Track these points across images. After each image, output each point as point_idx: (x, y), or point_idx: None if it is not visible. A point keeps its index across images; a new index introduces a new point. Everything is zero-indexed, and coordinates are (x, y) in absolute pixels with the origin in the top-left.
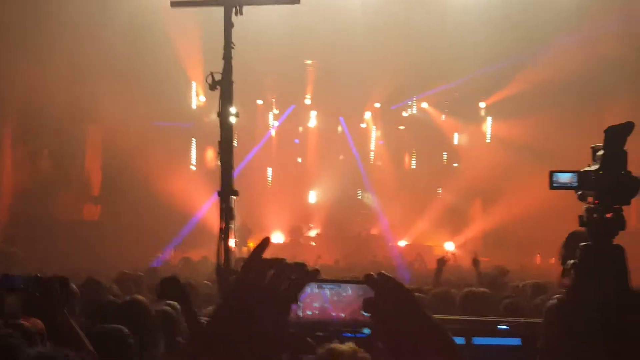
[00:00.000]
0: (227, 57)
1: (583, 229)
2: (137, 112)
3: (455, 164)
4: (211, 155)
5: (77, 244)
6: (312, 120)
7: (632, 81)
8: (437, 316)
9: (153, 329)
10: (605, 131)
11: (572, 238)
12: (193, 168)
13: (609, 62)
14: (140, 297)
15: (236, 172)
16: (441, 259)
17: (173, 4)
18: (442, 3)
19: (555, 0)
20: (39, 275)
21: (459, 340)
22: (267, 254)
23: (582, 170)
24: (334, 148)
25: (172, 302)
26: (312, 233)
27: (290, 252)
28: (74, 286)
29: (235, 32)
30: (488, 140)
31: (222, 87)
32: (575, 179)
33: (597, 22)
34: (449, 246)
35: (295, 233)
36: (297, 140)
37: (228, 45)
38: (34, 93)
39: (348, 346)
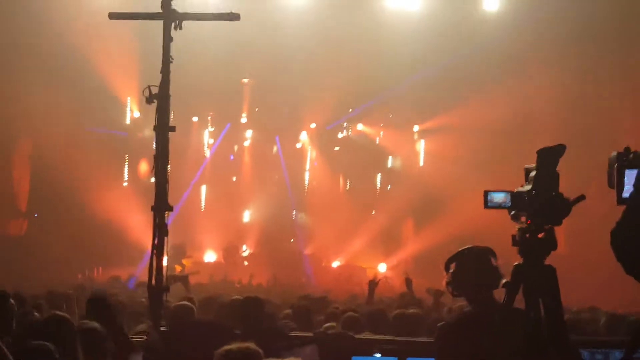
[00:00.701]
0: (165, 71)
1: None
2: (69, 123)
3: (389, 186)
4: (144, 169)
5: (2, 259)
6: (248, 139)
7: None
8: (372, 336)
9: (76, 346)
10: (538, 152)
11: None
12: (125, 184)
13: (544, 91)
14: (61, 313)
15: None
16: (372, 281)
17: (111, 16)
18: (381, 24)
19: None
20: None
21: None
22: (202, 273)
23: (515, 190)
24: (269, 168)
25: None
26: (246, 252)
27: (224, 271)
28: (12, 301)
29: (173, 46)
30: (421, 164)
31: (159, 101)
32: (508, 199)
33: (526, 42)
34: (382, 268)
35: (229, 252)
36: (232, 157)
37: (167, 59)
38: None
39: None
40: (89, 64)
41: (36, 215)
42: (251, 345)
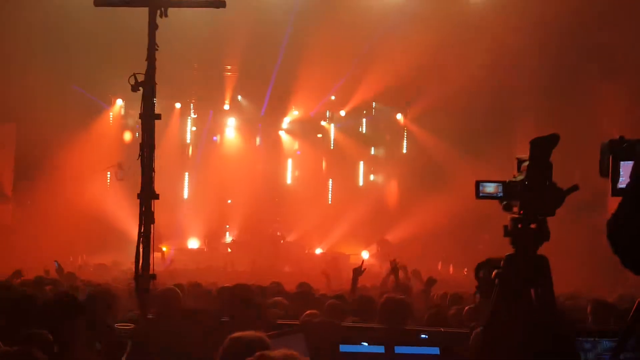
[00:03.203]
0: (151, 59)
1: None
2: (53, 108)
3: (372, 175)
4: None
5: None
6: (230, 127)
7: (545, 91)
8: (360, 324)
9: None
10: (531, 142)
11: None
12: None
13: (522, 72)
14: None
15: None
16: (357, 269)
17: (97, 3)
18: (365, 11)
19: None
20: None
21: (380, 349)
22: (185, 260)
23: (507, 180)
24: (251, 156)
25: None
26: (229, 239)
27: (207, 257)
28: None
29: (158, 34)
30: (404, 151)
31: (145, 88)
32: (500, 189)
33: (508, 30)
34: (365, 255)
35: (211, 239)
36: (215, 138)
37: (152, 46)
38: None
39: (281, 352)
40: (72, 51)
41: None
42: (260, 334)
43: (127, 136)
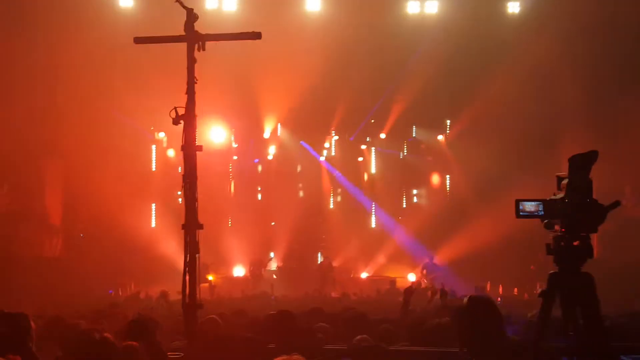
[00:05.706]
0: (190, 92)
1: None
2: (100, 141)
3: (415, 198)
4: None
5: (38, 279)
6: (271, 154)
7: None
8: (406, 348)
9: None
10: (570, 160)
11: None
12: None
13: (559, 87)
14: (107, 335)
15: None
16: (408, 289)
17: (137, 40)
18: (402, 31)
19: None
20: (5, 311)
21: None
22: (232, 288)
23: (547, 198)
24: (293, 181)
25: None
26: (274, 266)
27: (252, 285)
28: (32, 323)
29: (197, 66)
30: (448, 172)
31: (186, 121)
32: (541, 207)
33: (542, 46)
34: (411, 277)
35: (256, 266)
36: (256, 160)
37: (191, 80)
38: None
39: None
40: (116, 86)
41: (82, 235)
42: (301, 358)
43: (170, 168)
